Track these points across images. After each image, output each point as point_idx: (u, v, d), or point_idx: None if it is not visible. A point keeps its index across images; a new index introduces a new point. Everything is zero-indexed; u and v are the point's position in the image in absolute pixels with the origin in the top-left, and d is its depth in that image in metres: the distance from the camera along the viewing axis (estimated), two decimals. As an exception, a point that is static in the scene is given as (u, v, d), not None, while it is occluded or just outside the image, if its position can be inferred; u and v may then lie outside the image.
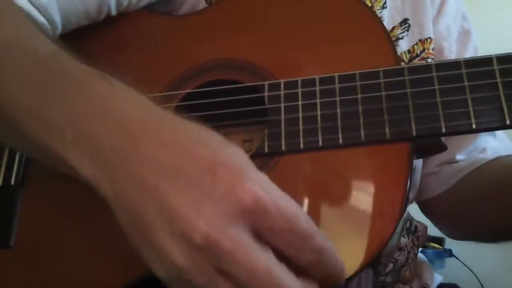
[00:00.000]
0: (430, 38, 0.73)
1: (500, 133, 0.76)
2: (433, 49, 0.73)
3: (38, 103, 0.42)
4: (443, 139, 0.58)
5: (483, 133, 0.73)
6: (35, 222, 0.58)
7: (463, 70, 0.50)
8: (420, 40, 0.73)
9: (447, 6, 0.77)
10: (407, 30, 0.72)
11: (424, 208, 0.79)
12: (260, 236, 0.35)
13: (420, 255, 0.83)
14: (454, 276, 1.59)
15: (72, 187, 0.57)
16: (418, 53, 0.72)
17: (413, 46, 0.73)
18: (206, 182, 0.35)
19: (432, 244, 1.69)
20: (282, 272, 0.35)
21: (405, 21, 0.73)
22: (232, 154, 0.36)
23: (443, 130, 0.48)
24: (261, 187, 0.35)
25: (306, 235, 0.36)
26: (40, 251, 0.56)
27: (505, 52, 0.50)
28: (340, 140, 0.50)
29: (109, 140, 0.39)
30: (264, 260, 0.34)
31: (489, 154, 0.72)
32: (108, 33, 0.65)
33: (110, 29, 0.65)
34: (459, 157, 0.73)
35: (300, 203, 0.50)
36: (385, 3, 0.71)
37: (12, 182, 0.60)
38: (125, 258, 0.53)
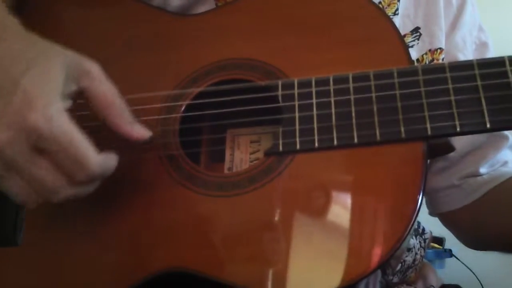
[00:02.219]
0: (440, 48, 0.73)
1: None
2: (443, 60, 0.73)
3: None
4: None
5: (504, 147, 0.74)
6: (43, 221, 0.57)
7: (476, 71, 0.50)
8: (429, 50, 0.72)
9: (464, 17, 0.75)
10: (418, 39, 0.72)
11: (446, 220, 0.78)
12: (41, 153, 0.46)
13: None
14: (454, 276, 1.59)
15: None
16: (427, 63, 0.71)
17: (422, 56, 0.72)
18: (7, 99, 0.45)
19: (432, 244, 1.69)
20: (57, 178, 0.46)
21: (416, 29, 0.72)
22: (35, 81, 0.46)
23: (458, 129, 0.48)
24: (43, 116, 0.45)
25: (78, 160, 0.46)
26: (46, 251, 0.56)
27: (503, 51, 0.52)
28: (355, 139, 0.50)
29: None
30: (39, 168, 0.46)
31: (511, 167, 0.72)
32: (120, 32, 0.65)
33: (121, 29, 0.65)
34: (482, 170, 0.73)
35: (313, 203, 0.50)
36: (397, 9, 0.70)
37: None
38: (132, 259, 0.53)
